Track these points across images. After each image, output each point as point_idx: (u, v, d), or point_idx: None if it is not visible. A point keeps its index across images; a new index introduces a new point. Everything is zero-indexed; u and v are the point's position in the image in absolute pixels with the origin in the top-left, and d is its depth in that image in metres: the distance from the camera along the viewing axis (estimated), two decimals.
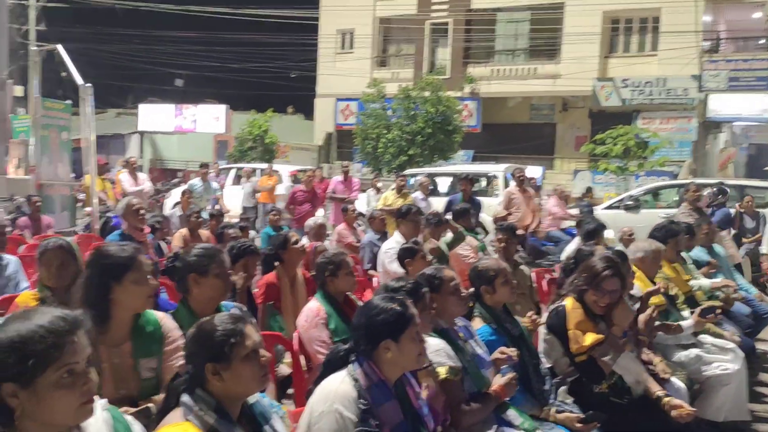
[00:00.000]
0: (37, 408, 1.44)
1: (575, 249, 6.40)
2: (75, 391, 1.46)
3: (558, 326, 3.37)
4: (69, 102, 11.35)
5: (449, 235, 6.19)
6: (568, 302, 3.42)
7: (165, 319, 2.64)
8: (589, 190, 14.84)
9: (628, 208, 11.68)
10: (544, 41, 26.31)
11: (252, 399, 2.08)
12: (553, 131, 27.73)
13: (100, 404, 1.65)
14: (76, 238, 6.57)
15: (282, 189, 14.05)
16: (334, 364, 2.39)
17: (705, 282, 5.39)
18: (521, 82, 26.67)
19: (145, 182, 10.66)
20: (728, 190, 10.13)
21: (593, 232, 6.13)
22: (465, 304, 2.98)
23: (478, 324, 3.19)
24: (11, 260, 4.84)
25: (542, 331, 3.60)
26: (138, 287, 2.50)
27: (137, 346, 2.48)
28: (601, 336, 3.26)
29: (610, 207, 12.18)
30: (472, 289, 3.26)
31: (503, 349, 2.90)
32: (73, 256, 3.49)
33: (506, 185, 12.46)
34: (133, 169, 10.63)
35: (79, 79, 9.40)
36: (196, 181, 11.45)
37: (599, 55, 25.09)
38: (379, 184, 14.72)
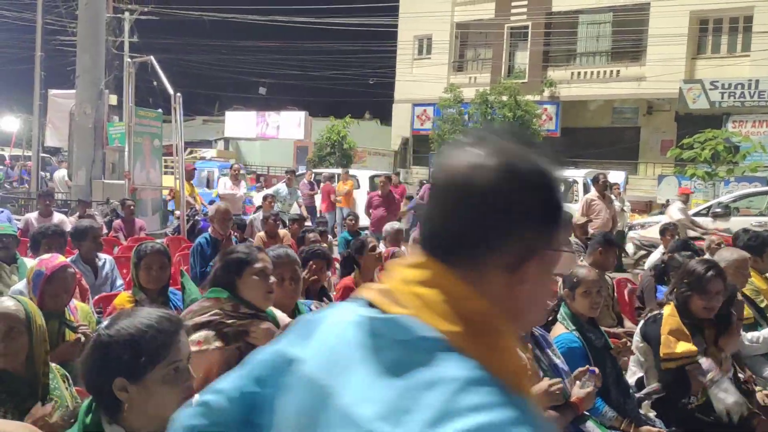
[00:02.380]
0: (145, 402, 1.54)
1: (660, 258, 6.24)
2: (178, 387, 1.56)
3: (653, 335, 3.30)
4: (160, 111, 11.94)
5: None
6: (667, 309, 3.34)
7: (284, 319, 2.76)
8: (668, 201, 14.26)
9: (716, 216, 11.19)
10: (628, 43, 25.54)
11: None
12: (637, 135, 26.86)
13: (193, 399, 1.77)
14: (166, 240, 6.92)
15: (359, 194, 14.30)
16: None
17: None
18: (603, 85, 25.99)
19: (242, 188, 11.20)
20: None
21: (685, 241, 5.95)
22: (543, 315, 2.95)
23: (559, 330, 3.15)
24: (107, 260, 5.10)
25: (636, 339, 3.54)
26: (256, 281, 2.62)
27: None
28: (694, 348, 3.16)
29: (697, 214, 11.70)
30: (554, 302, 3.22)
31: (588, 367, 2.83)
32: (169, 259, 3.69)
33: (586, 191, 12.21)
34: (235, 174, 11.20)
35: (170, 89, 9.88)
36: (281, 186, 11.78)
37: (686, 57, 24.16)
38: None
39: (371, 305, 0.92)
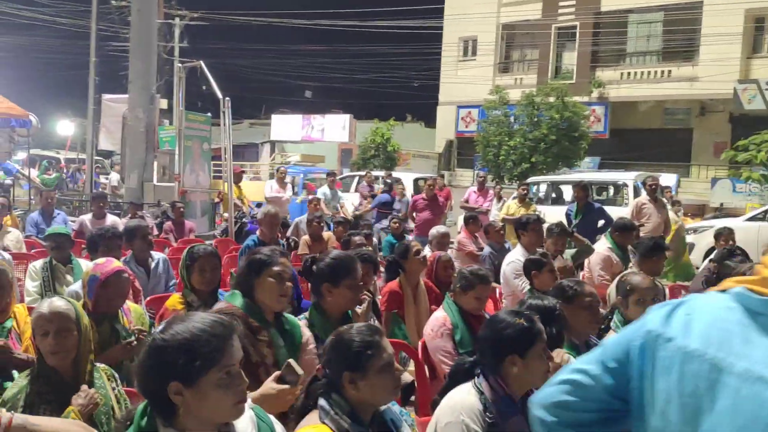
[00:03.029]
0: (199, 406, 1.55)
1: (707, 267, 6.01)
2: (231, 391, 1.57)
3: None
4: (209, 114, 12.14)
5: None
6: None
7: (304, 329, 2.81)
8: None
9: None
10: (680, 42, 24.90)
11: (383, 406, 2.15)
12: (689, 137, 26.15)
13: (247, 403, 1.78)
14: (214, 242, 7.03)
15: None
16: (459, 376, 2.41)
17: None
18: (654, 86, 25.40)
19: (288, 191, 11.34)
20: None
21: (731, 249, 5.73)
22: (596, 324, 2.88)
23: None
24: (161, 259, 5.17)
25: None
26: (272, 283, 2.69)
27: (281, 355, 2.63)
28: None
29: (752, 219, 11.31)
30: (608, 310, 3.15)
31: None
32: (220, 261, 3.73)
33: (636, 194, 11.92)
34: (281, 177, 11.35)
35: (218, 93, 10.03)
36: (325, 189, 11.84)
37: (741, 56, 23.41)
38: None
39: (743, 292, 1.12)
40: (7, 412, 1.42)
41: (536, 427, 1.38)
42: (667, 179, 16.59)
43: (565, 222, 8.01)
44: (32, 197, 13.10)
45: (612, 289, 4.41)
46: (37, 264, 4.84)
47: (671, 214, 9.14)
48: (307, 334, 2.81)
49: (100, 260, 3.31)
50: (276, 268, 2.70)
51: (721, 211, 12.75)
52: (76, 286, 3.85)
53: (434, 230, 6.68)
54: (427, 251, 5.65)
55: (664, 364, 1.15)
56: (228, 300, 2.77)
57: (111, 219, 7.95)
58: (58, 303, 2.45)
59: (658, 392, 1.16)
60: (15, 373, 2.56)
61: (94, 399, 2.32)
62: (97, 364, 2.51)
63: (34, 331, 2.40)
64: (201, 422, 1.59)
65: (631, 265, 5.68)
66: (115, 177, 15.65)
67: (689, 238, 10.78)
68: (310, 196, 11.28)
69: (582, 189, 8.83)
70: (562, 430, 1.33)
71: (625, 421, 1.27)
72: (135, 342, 2.98)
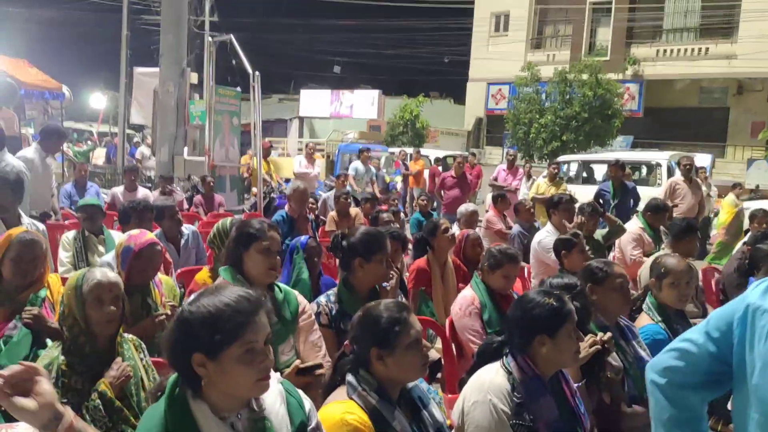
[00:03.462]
0: (221, 379, 1.57)
1: (740, 249, 5.88)
2: (253, 367, 1.57)
3: None
4: (239, 89, 12.15)
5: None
6: None
7: (300, 297, 2.85)
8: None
9: None
10: (718, 19, 24.19)
11: (410, 383, 2.14)
12: (726, 116, 25.53)
13: (275, 377, 1.79)
14: (243, 217, 7.07)
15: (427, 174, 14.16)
16: (487, 356, 2.39)
17: None
18: (691, 63, 24.77)
19: (316, 167, 11.39)
20: None
21: (765, 232, 5.59)
22: (627, 305, 2.83)
23: (644, 321, 3.02)
24: (190, 233, 5.18)
25: None
26: (260, 256, 2.72)
27: (276, 332, 2.63)
28: None
29: None
30: (640, 292, 3.09)
31: None
32: None
33: (670, 174, 11.69)
34: (309, 153, 11.38)
35: (248, 67, 10.02)
36: (358, 164, 11.82)
37: None
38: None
39: None
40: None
41: (649, 388, 1.66)
42: (701, 159, 16.21)
43: (598, 200, 7.90)
44: (65, 170, 13.32)
45: (644, 270, 4.34)
46: (70, 235, 4.91)
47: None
48: (303, 302, 2.84)
49: (134, 232, 3.34)
50: (264, 242, 2.73)
51: (757, 193, 12.42)
52: (109, 257, 3.90)
53: (462, 208, 6.63)
54: (455, 229, 5.62)
55: (762, 332, 1.39)
56: (222, 275, 2.79)
57: (142, 192, 8.04)
58: (110, 273, 2.50)
59: (757, 355, 1.39)
60: (48, 341, 2.60)
61: (126, 371, 2.35)
62: (126, 335, 2.53)
63: (82, 299, 2.38)
64: (225, 396, 1.60)
65: (663, 246, 5.59)
66: (146, 151, 15.81)
67: None
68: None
69: (619, 168, 8.66)
70: (672, 390, 1.59)
71: (728, 382, 1.51)
72: (165, 316, 3.01)
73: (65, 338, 2.40)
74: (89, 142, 21.37)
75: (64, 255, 4.76)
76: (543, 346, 2.23)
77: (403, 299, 3.94)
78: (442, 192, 10.31)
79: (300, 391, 1.84)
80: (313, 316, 2.86)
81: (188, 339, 1.57)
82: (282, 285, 2.85)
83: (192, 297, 1.69)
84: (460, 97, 33.02)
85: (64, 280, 3.02)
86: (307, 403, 1.81)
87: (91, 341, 2.38)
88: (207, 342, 1.55)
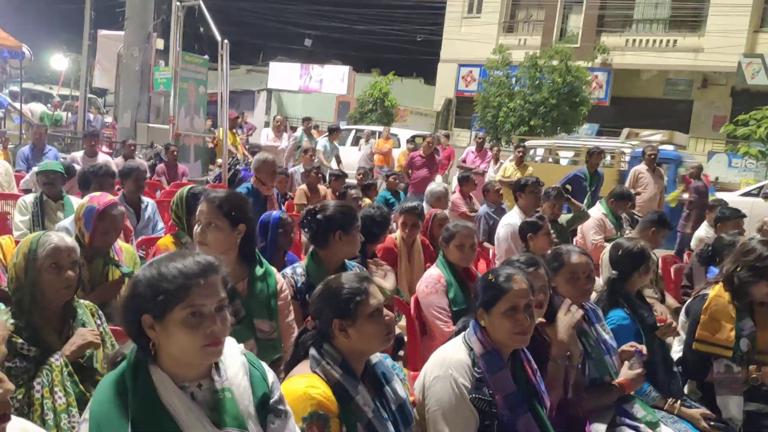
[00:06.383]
0: (168, 342, 1.56)
1: (709, 237, 6.02)
2: (198, 332, 1.54)
3: (694, 309, 3.22)
4: (206, 57, 11.88)
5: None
6: (715, 290, 3.22)
7: (278, 275, 2.78)
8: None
9: (767, 197, 10.81)
10: (688, 11, 24.53)
11: (374, 359, 2.12)
12: (689, 109, 26.02)
13: (238, 348, 1.75)
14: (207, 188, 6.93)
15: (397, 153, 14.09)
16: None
17: None
18: (658, 54, 25.12)
19: (284, 140, 11.13)
20: None
21: (727, 219, 5.74)
22: (583, 297, 2.82)
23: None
24: (150, 203, 5.15)
25: (681, 317, 3.44)
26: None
27: (252, 305, 2.59)
28: (731, 341, 3.04)
29: (747, 194, 11.32)
30: (600, 278, 3.11)
31: (635, 344, 2.76)
32: None
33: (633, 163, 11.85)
34: (277, 126, 11.14)
35: (217, 35, 9.78)
36: (323, 141, 11.69)
37: (748, 29, 23.12)
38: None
39: None
40: None
41: None
42: (664, 150, 16.48)
43: (571, 184, 7.96)
44: (23, 131, 12.90)
45: (604, 255, 4.40)
46: (28, 198, 4.77)
47: None
48: (281, 280, 2.78)
49: (95, 193, 3.26)
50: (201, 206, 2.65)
51: (716, 186, 12.72)
52: (66, 222, 3.79)
53: (431, 187, 6.62)
54: (425, 207, 5.60)
55: None
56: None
57: (103, 158, 7.83)
58: (67, 238, 2.41)
59: None
60: (0, 305, 2.51)
61: (87, 338, 2.27)
62: (81, 301, 2.45)
63: (35, 264, 2.27)
64: (177, 362, 1.59)
65: (628, 232, 5.68)
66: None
67: None
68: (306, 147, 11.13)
69: (597, 156, 8.70)
70: None
71: None
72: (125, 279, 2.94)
73: (11, 302, 2.30)
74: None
75: (20, 219, 4.62)
76: (482, 320, 2.24)
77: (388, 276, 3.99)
78: (410, 171, 10.27)
79: (264, 364, 1.81)
80: (290, 298, 2.80)
81: (137, 299, 1.56)
82: (265, 261, 2.78)
83: (148, 261, 1.66)
84: (430, 77, 32.93)
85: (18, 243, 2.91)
86: (271, 375, 1.78)
87: (39, 307, 2.28)
88: (152, 302, 1.54)
